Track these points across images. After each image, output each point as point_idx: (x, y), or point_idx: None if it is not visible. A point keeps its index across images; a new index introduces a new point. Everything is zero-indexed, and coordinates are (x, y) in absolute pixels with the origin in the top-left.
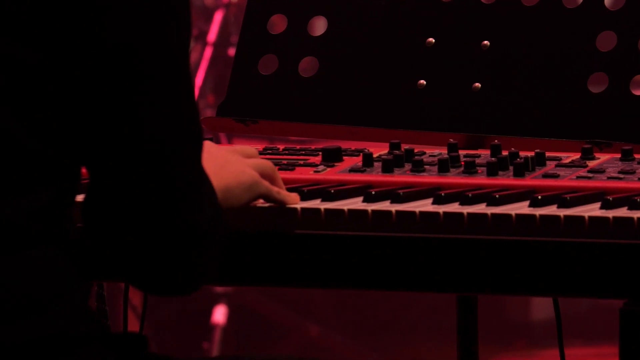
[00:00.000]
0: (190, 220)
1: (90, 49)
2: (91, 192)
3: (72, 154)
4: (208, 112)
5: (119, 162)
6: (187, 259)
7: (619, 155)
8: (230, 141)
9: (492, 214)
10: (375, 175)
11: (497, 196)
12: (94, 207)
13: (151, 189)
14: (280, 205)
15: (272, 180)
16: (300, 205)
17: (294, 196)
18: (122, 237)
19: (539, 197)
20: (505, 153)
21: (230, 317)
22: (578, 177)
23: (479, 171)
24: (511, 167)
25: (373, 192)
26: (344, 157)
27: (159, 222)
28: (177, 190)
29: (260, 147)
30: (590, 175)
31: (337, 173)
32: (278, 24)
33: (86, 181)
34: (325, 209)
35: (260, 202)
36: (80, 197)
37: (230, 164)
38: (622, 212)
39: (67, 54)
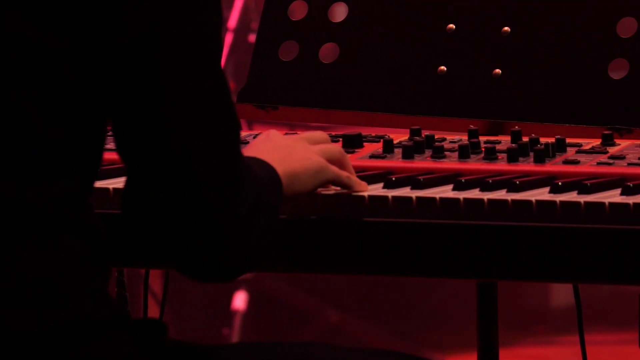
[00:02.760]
0: (227, 208)
1: (115, 37)
2: (129, 181)
3: (94, 142)
4: None
5: (150, 154)
6: (225, 245)
7: (639, 142)
8: (250, 127)
9: (513, 200)
10: (395, 162)
11: (517, 182)
12: (132, 195)
13: (185, 178)
14: (350, 191)
15: (341, 165)
16: (323, 192)
17: (363, 183)
18: (161, 226)
19: (560, 183)
20: (525, 139)
21: (251, 303)
22: (598, 164)
23: (500, 157)
24: (531, 154)
25: (393, 179)
26: (365, 144)
27: (194, 211)
28: (212, 179)
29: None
30: (610, 161)
31: (357, 159)
32: (298, 10)
33: (106, 167)
34: (346, 196)
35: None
36: (99, 184)
37: (295, 151)
38: None
39: (92, 41)
